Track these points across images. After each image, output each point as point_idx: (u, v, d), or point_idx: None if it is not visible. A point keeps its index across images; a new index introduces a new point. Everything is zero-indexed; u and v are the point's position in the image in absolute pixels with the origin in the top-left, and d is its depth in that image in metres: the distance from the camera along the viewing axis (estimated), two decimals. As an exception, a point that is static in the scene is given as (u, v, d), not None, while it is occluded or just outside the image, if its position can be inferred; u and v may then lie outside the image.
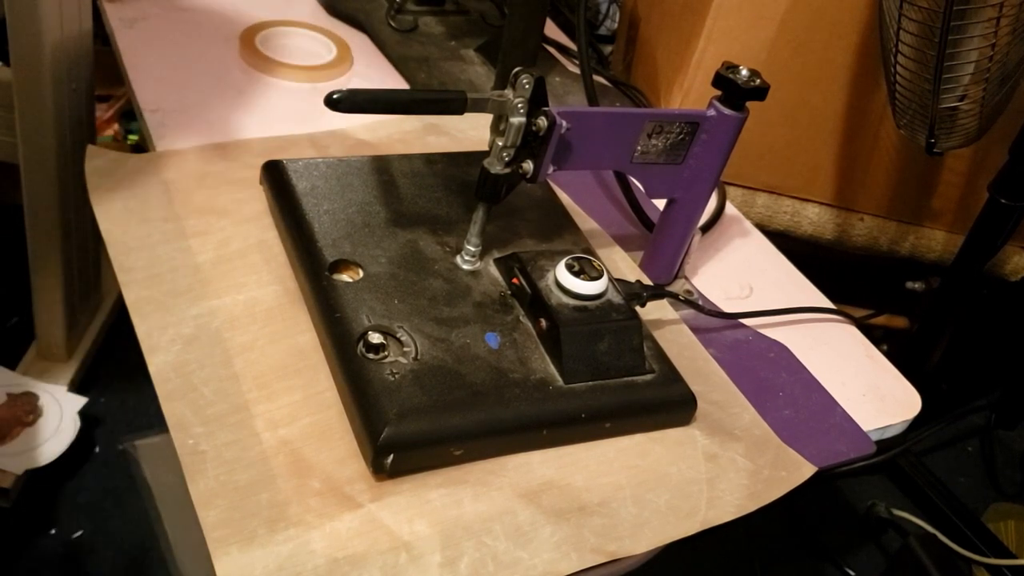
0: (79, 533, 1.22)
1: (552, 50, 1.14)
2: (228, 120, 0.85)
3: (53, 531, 1.22)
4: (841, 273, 1.38)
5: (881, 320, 1.53)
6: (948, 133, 1.01)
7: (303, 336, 0.63)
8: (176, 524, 1.25)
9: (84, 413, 1.28)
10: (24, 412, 1.24)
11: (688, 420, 0.65)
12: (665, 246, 0.78)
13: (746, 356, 0.75)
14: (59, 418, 1.25)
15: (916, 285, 1.46)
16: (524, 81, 0.60)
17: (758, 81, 0.69)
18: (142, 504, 1.27)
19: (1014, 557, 1.43)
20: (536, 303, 0.64)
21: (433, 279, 0.66)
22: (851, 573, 1.45)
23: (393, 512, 0.54)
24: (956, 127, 1.00)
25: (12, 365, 1.31)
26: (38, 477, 1.25)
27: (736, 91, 0.69)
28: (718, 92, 0.70)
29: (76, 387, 1.34)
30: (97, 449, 1.33)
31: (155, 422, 1.38)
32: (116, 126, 1.54)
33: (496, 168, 0.63)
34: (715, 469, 0.62)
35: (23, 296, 1.36)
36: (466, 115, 0.63)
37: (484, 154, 0.64)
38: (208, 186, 0.74)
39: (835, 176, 1.22)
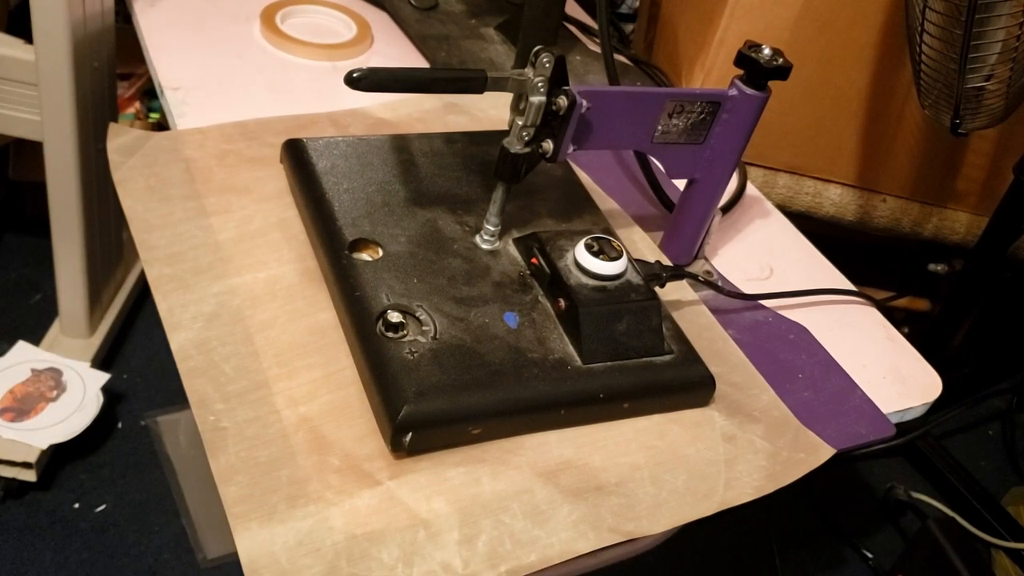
0: (102, 507, 1.24)
1: (573, 28, 1.13)
2: (248, 98, 0.85)
3: (77, 505, 1.24)
4: (863, 255, 1.38)
5: (903, 302, 1.52)
6: (974, 113, 0.99)
7: (323, 314, 0.64)
8: (197, 499, 1.27)
9: (107, 389, 1.29)
10: (48, 388, 1.26)
11: (707, 401, 0.65)
12: (685, 226, 0.77)
13: (766, 338, 0.75)
14: (82, 393, 1.27)
15: (939, 267, 1.44)
16: (544, 60, 0.60)
17: (781, 60, 0.68)
18: (164, 479, 1.29)
19: (1034, 541, 1.42)
20: (555, 283, 0.64)
21: (452, 258, 0.66)
22: (869, 555, 1.45)
23: (411, 490, 0.55)
24: (982, 107, 0.98)
25: (36, 341, 1.33)
26: (62, 452, 1.27)
27: (758, 70, 0.68)
28: (740, 71, 0.69)
29: (99, 363, 1.36)
30: (120, 424, 1.35)
31: (177, 398, 1.40)
32: (138, 104, 1.54)
33: (516, 147, 0.63)
34: (733, 450, 0.62)
35: (47, 273, 1.37)
36: (486, 94, 0.63)
37: (504, 133, 0.64)
38: (229, 164, 0.75)
39: (858, 157, 1.21)
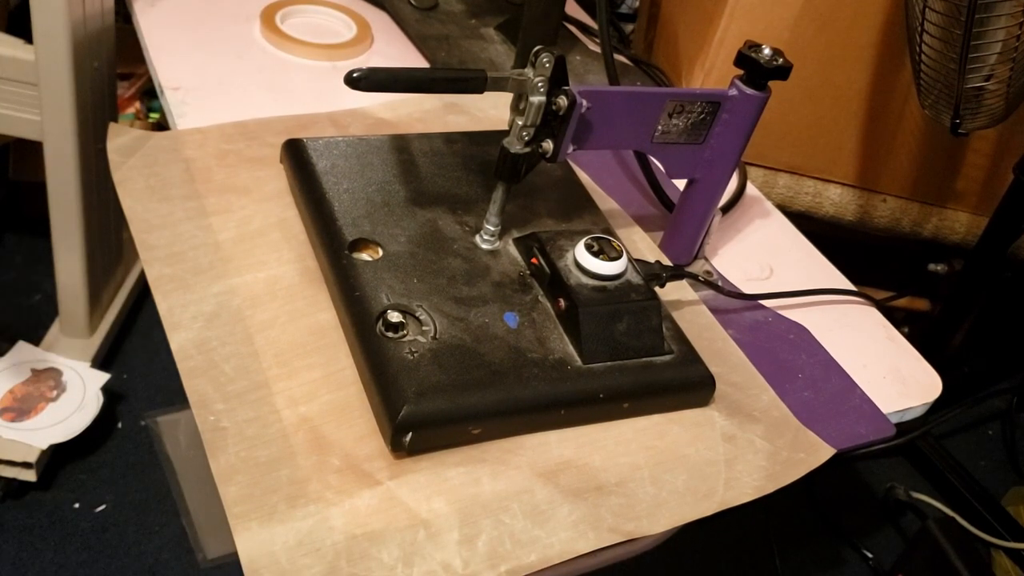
0: (102, 507, 1.24)
1: (573, 28, 1.13)
2: (248, 98, 0.85)
3: (77, 505, 1.24)
4: (863, 254, 1.38)
5: (903, 302, 1.52)
6: (974, 113, 1.00)
7: (323, 314, 0.64)
8: (197, 499, 1.27)
9: (107, 389, 1.29)
10: (48, 388, 1.26)
11: (707, 401, 0.65)
12: (685, 226, 0.77)
13: (766, 338, 0.75)
14: (82, 393, 1.27)
15: (938, 267, 1.44)
16: (544, 60, 0.60)
17: (781, 60, 0.68)
18: (164, 479, 1.29)
19: (1033, 541, 1.42)
20: (555, 283, 0.64)
21: (452, 258, 0.66)
22: (869, 555, 1.45)
23: (411, 490, 0.55)
24: (982, 107, 0.98)
25: (36, 341, 1.33)
26: (62, 452, 1.27)
27: (758, 70, 0.68)
28: (740, 71, 0.69)
29: (99, 363, 1.36)
30: (120, 424, 1.35)
31: (177, 398, 1.40)
32: (138, 104, 1.54)
33: (516, 147, 0.63)
34: (733, 450, 0.62)
35: (47, 273, 1.37)
36: (486, 94, 0.63)
37: (504, 133, 0.64)
38: (229, 164, 0.75)
39: (858, 156, 1.21)
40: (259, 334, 0.61)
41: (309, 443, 0.56)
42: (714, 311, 0.74)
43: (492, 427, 0.58)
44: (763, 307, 0.78)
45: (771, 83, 0.69)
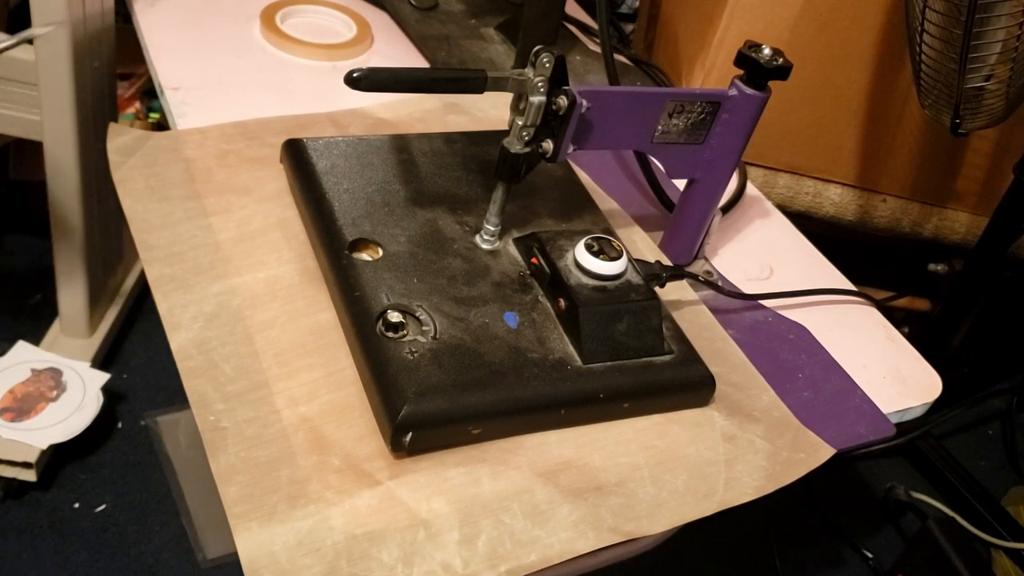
0: (102, 507, 1.24)
1: (573, 28, 1.13)
2: (249, 98, 0.85)
3: (77, 505, 1.24)
4: (863, 254, 1.38)
5: (903, 302, 1.52)
6: (974, 113, 0.99)
7: (323, 314, 0.64)
8: (197, 499, 1.27)
9: (107, 389, 1.29)
10: (48, 388, 1.26)
11: (707, 401, 0.65)
12: (685, 226, 0.77)
13: (766, 337, 0.75)
14: (82, 393, 1.27)
15: (939, 267, 1.44)
16: (544, 60, 0.60)
17: (781, 60, 0.68)
18: (164, 479, 1.29)
19: (1033, 541, 1.42)
20: (555, 283, 0.64)
21: (452, 258, 0.66)
22: (869, 555, 1.45)
23: (411, 490, 0.55)
24: (982, 107, 0.98)
25: (36, 341, 1.33)
26: (62, 452, 1.27)
27: (758, 70, 0.68)
28: (740, 71, 0.69)
29: (99, 363, 1.36)
30: (120, 424, 1.35)
31: (177, 398, 1.40)
32: (138, 104, 1.54)
33: (516, 147, 0.63)
34: (733, 450, 0.62)
35: (47, 273, 1.37)
36: (486, 94, 0.63)
37: (504, 133, 0.64)
38: (229, 164, 0.75)
39: (858, 156, 1.21)
40: (259, 334, 0.61)
41: (309, 443, 0.56)
42: (714, 311, 0.74)
43: (492, 427, 0.58)
44: (763, 307, 0.78)
45: (771, 83, 0.69)
